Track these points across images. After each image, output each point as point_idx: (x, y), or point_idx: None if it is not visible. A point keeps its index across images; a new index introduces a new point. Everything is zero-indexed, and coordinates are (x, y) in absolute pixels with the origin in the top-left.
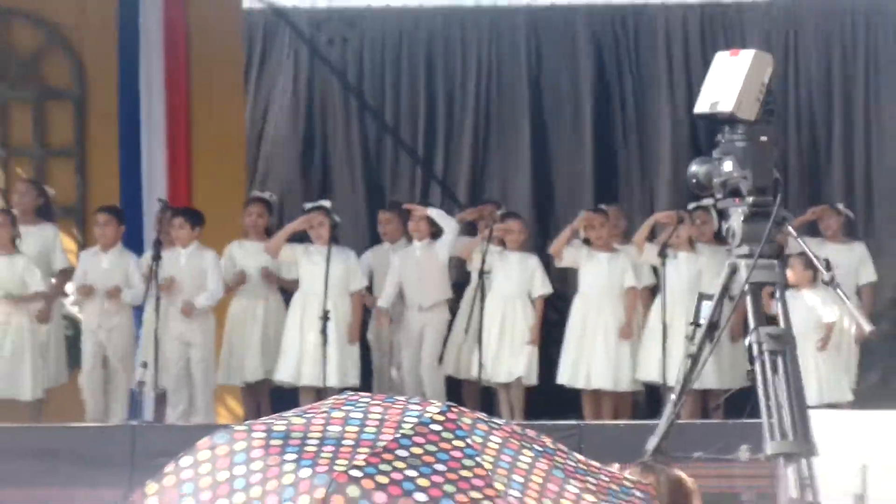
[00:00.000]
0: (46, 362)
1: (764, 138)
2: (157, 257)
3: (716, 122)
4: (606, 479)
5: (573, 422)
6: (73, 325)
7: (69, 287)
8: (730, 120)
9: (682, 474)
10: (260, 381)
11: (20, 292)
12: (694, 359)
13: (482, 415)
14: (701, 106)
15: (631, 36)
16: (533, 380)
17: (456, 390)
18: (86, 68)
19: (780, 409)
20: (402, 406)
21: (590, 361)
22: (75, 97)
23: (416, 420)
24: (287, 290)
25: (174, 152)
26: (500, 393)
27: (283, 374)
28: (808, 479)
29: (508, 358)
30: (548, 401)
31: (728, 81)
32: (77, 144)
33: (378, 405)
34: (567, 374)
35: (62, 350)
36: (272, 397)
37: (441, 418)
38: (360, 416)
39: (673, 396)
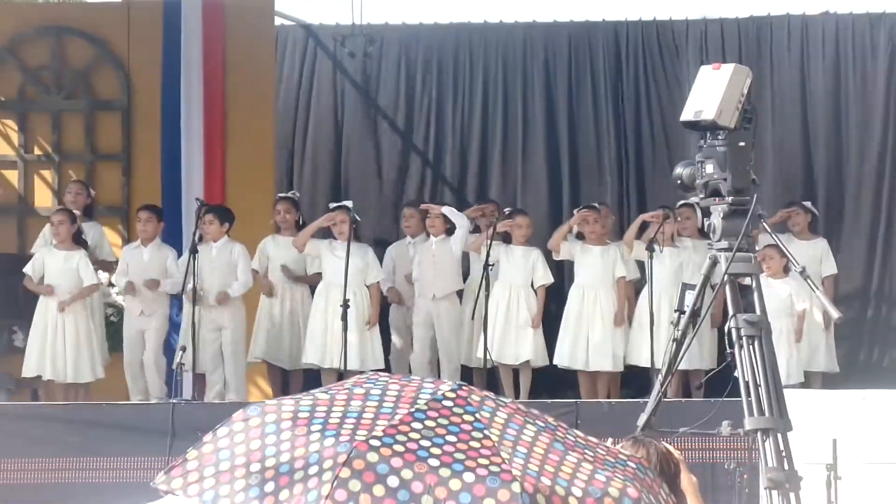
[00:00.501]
0: (94, 347)
1: (742, 143)
2: (194, 251)
3: (699, 128)
4: (603, 452)
5: (570, 400)
6: (119, 312)
7: (115, 278)
8: (711, 127)
9: (670, 447)
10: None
11: (76, 286)
12: (678, 343)
13: (490, 393)
14: (686, 114)
15: (635, 48)
16: (540, 362)
17: (465, 373)
18: (132, 81)
19: (757, 389)
20: (417, 384)
21: (587, 345)
22: (122, 107)
23: (429, 396)
24: (310, 284)
25: (211, 156)
26: (503, 375)
27: (309, 358)
28: (785, 451)
29: (514, 342)
30: (546, 381)
31: (710, 92)
32: (123, 150)
33: (395, 383)
34: (565, 357)
35: (103, 335)
36: (298, 378)
37: (452, 395)
38: (379, 392)
39: (660, 377)
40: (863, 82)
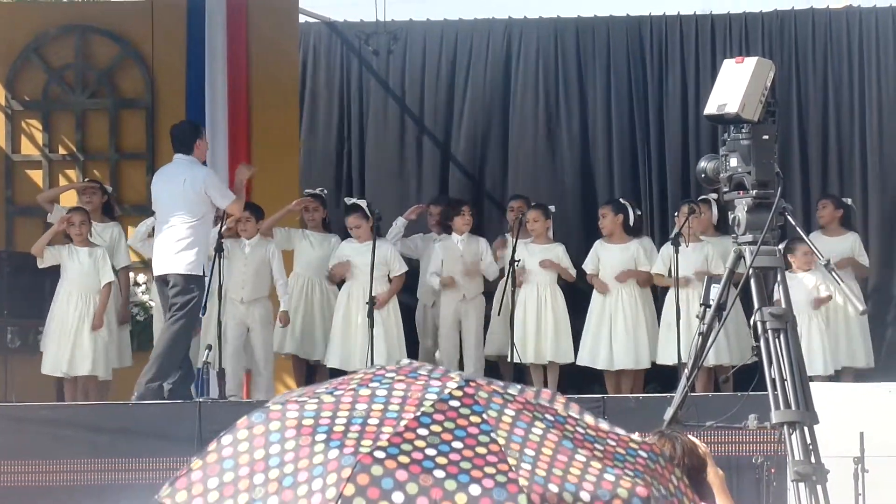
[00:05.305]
0: (112, 346)
1: (766, 137)
2: (219, 249)
3: (723, 122)
4: (613, 443)
5: (597, 395)
6: (145, 310)
7: (141, 277)
8: (735, 120)
9: (696, 441)
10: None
11: (95, 282)
12: (704, 337)
13: (498, 385)
14: (710, 108)
15: (658, 43)
16: (568, 358)
17: (493, 370)
18: (156, 80)
19: (783, 382)
20: (424, 382)
21: (610, 344)
22: (147, 106)
23: (436, 397)
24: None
25: (235, 154)
26: (532, 372)
27: (332, 362)
28: (811, 444)
29: (542, 340)
30: (574, 377)
31: (733, 86)
32: (148, 149)
33: (402, 381)
34: (586, 357)
35: (126, 335)
36: (323, 373)
37: (459, 394)
38: (385, 393)
39: (686, 371)
40: (885, 76)
